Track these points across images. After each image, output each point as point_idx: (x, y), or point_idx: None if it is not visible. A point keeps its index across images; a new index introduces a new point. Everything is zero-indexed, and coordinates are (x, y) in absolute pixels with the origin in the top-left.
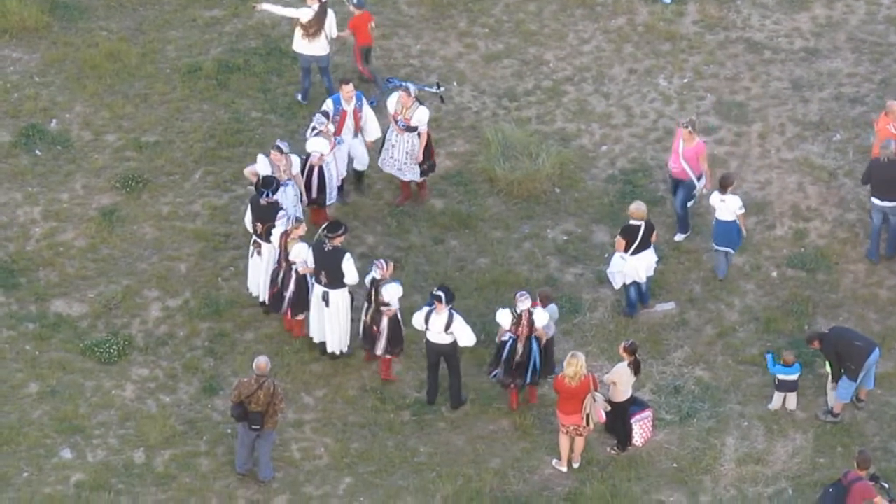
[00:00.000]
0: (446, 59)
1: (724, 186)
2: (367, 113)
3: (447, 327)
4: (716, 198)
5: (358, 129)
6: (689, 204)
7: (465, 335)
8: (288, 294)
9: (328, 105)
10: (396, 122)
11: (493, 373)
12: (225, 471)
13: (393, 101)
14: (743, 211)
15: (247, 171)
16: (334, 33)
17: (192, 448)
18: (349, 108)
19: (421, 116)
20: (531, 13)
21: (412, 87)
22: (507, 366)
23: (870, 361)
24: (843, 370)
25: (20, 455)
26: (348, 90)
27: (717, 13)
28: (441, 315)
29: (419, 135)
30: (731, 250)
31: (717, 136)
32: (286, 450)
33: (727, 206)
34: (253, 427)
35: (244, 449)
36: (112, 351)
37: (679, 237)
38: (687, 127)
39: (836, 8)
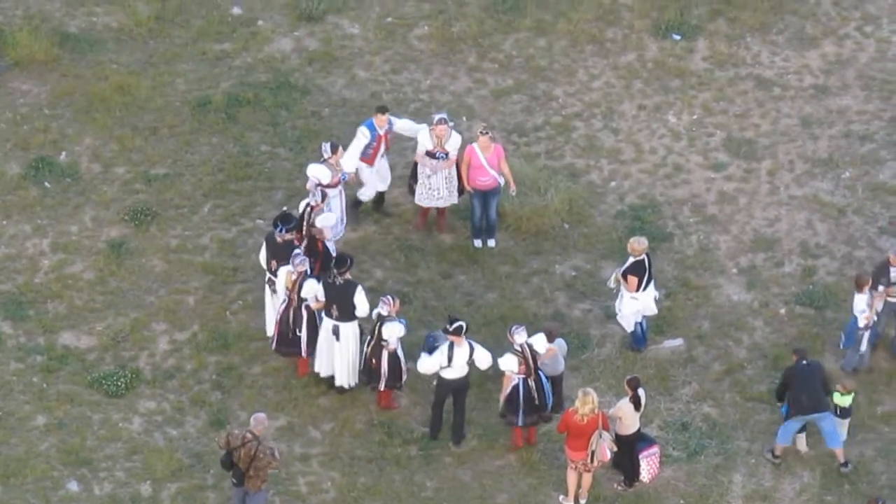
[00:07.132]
0: (456, 93)
1: (857, 285)
2: (399, 126)
3: (470, 357)
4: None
5: (387, 150)
6: None
7: (485, 358)
8: (303, 335)
9: (364, 133)
10: (436, 156)
11: (516, 419)
12: None
13: (426, 138)
14: (861, 313)
15: (308, 185)
16: None
17: (199, 481)
18: (382, 133)
19: (455, 143)
20: (541, 49)
21: None
22: (529, 405)
23: (810, 418)
24: (787, 400)
25: (27, 488)
26: (384, 118)
27: (726, 50)
28: (462, 347)
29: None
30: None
31: (726, 172)
32: (293, 483)
33: (855, 304)
34: (233, 481)
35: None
36: (119, 384)
37: (491, 243)
38: (486, 133)
39: (845, 46)
